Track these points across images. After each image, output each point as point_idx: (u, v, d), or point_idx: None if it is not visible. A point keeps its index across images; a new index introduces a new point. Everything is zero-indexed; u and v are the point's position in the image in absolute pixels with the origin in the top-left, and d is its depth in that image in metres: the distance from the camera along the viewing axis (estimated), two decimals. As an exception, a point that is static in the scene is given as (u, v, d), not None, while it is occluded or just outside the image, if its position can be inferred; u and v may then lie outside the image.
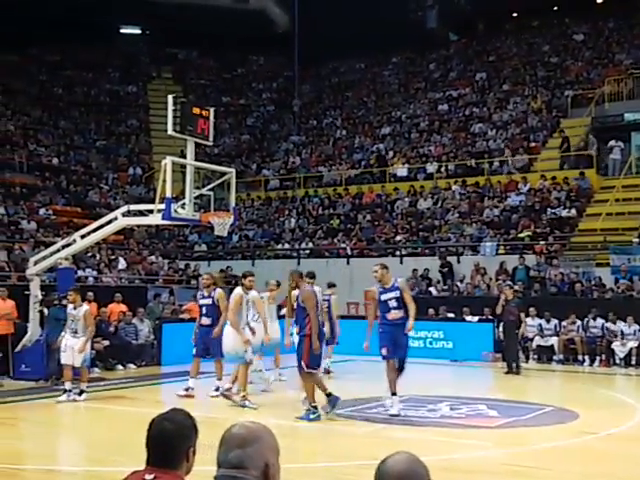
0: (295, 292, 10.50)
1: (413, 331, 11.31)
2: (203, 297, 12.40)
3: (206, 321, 12.11)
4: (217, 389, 11.85)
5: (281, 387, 13.11)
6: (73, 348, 11.76)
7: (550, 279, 19.30)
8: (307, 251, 24.46)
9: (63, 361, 11.98)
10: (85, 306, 11.97)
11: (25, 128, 28.55)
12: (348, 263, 22.62)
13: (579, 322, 17.34)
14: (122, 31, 38.57)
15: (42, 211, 23.20)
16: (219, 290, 12.33)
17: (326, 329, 12.50)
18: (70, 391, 11.72)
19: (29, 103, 30.76)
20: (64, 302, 12.92)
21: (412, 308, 10.17)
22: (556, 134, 25.55)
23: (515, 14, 35.57)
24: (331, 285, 14.84)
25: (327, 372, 14.00)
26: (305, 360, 9.84)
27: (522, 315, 15.96)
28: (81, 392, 11.82)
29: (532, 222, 21.82)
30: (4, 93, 30.04)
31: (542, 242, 20.76)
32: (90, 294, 16.28)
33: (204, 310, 12.25)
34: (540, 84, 29.36)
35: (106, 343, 15.84)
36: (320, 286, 13.23)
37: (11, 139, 27.05)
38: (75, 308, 11.85)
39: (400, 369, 10.29)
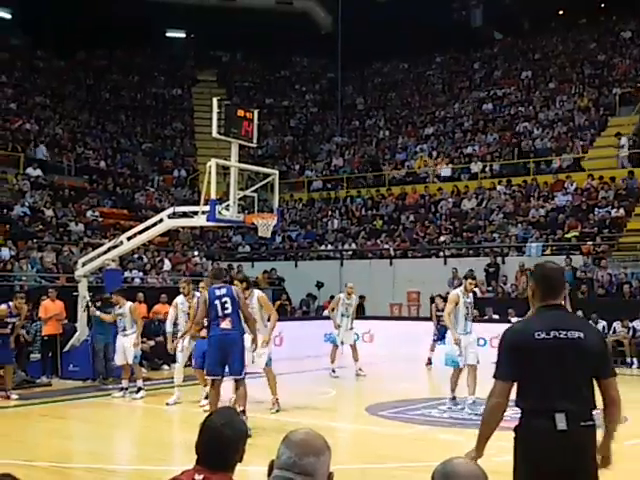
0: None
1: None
2: None
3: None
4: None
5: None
6: (124, 346, 12.09)
7: (598, 280, 18.97)
8: (350, 252, 24.45)
9: (118, 362, 12.41)
10: (129, 302, 12.37)
11: (73, 132, 29.07)
12: (391, 264, 22.53)
13: (628, 324, 17.03)
14: (167, 35, 39.05)
15: (90, 213, 23.58)
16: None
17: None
18: (126, 389, 12.06)
19: (77, 107, 31.34)
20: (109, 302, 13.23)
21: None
22: (604, 132, 25.11)
23: (561, 12, 35.09)
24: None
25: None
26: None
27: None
28: (138, 389, 12.09)
29: (579, 222, 21.47)
30: (53, 98, 30.64)
31: (589, 242, 20.41)
32: (140, 295, 16.55)
33: None
34: (587, 82, 28.89)
35: (152, 343, 16.03)
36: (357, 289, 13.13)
37: (59, 142, 27.56)
38: (120, 307, 12.27)
39: None
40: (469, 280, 11.03)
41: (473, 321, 11.24)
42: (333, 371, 14.79)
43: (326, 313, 20.33)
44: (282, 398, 10.77)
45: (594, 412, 3.66)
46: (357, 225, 26.00)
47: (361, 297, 18.34)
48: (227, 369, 9.12)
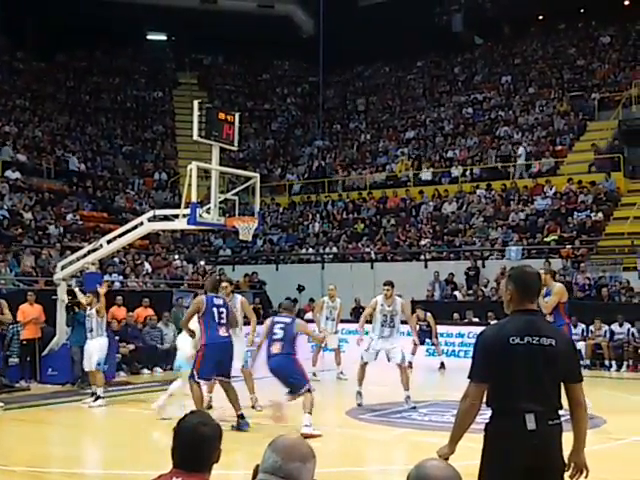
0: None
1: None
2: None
3: None
4: None
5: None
6: (90, 351, 11.84)
7: (577, 283, 19.12)
8: (331, 255, 24.46)
9: (85, 368, 12.14)
10: (99, 304, 12.06)
11: (53, 134, 28.87)
12: (372, 267, 22.57)
13: (606, 327, 17.17)
14: (148, 37, 38.90)
15: (69, 216, 23.43)
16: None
17: None
18: (97, 394, 11.72)
19: (57, 109, 31.12)
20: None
21: None
22: (583, 137, 25.33)
23: (541, 17, 35.33)
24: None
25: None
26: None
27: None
28: (96, 397, 11.65)
29: (558, 226, 21.64)
30: (32, 99, 30.42)
31: (568, 246, 20.58)
32: (119, 298, 16.46)
33: None
34: (566, 87, 29.14)
35: (132, 347, 15.96)
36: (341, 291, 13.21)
37: (39, 145, 27.37)
38: (91, 308, 12.05)
39: None
40: (386, 287, 11.60)
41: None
42: (314, 374, 14.79)
43: (309, 316, 20.37)
44: (261, 402, 10.76)
45: (560, 412, 3.84)
46: (338, 228, 26.03)
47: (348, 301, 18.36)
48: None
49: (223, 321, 9.58)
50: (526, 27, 34.95)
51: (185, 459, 2.74)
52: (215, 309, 9.54)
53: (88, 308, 12.14)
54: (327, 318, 15.15)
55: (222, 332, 9.53)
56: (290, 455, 2.44)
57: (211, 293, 9.86)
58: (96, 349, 11.85)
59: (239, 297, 11.36)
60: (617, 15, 31.79)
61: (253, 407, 10.71)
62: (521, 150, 25.76)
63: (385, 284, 11.73)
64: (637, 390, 14.85)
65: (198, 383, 9.43)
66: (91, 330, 11.96)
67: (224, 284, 11.19)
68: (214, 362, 9.39)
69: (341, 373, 14.85)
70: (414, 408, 11.11)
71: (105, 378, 12.25)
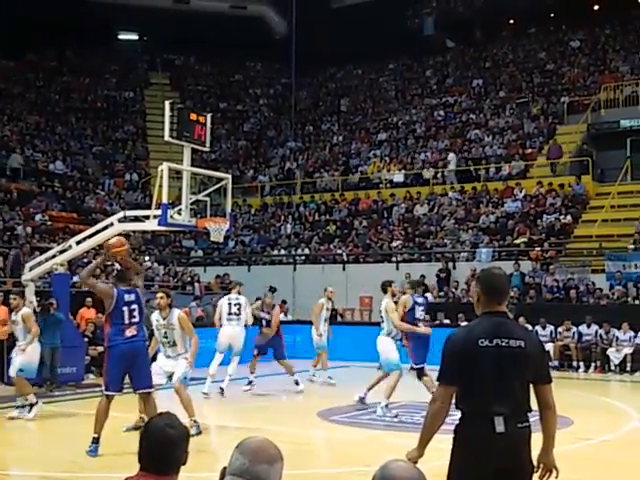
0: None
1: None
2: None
3: None
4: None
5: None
6: (13, 357, 11.02)
7: (545, 285, 19.32)
8: (303, 257, 24.46)
9: (11, 373, 11.16)
10: (25, 309, 11.15)
11: (22, 134, 28.53)
12: (344, 269, 22.61)
13: (574, 328, 17.36)
14: (119, 37, 38.60)
15: (38, 217, 23.17)
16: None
17: None
18: (35, 404, 10.74)
19: (26, 109, 30.74)
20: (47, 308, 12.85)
21: None
22: (552, 141, 25.61)
23: (512, 21, 35.65)
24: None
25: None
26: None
27: (520, 321, 15.96)
28: (27, 407, 10.60)
29: (528, 228, 21.85)
30: (1, 99, 30.03)
31: (538, 248, 20.79)
32: (89, 300, 16.31)
33: None
34: (536, 91, 29.44)
35: (101, 349, 15.80)
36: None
37: (7, 144, 27.03)
38: (16, 314, 11.03)
39: None
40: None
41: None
42: (314, 375, 14.80)
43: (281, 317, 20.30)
44: (230, 404, 10.70)
45: (529, 414, 3.84)
46: (310, 230, 26.05)
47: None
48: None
49: (135, 319, 8.40)
50: (497, 31, 35.29)
51: (152, 462, 2.72)
52: (126, 307, 8.32)
53: (13, 313, 11.15)
54: (326, 320, 15.02)
55: (130, 332, 8.34)
56: (257, 457, 2.44)
57: (122, 286, 8.51)
58: (19, 355, 10.84)
59: (177, 312, 9.55)
60: (587, 20, 32.22)
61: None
62: (451, 156, 26.32)
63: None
64: (604, 391, 15.06)
65: (107, 397, 8.31)
66: (17, 338, 10.82)
67: (159, 294, 9.75)
68: (122, 369, 8.37)
69: (329, 377, 14.75)
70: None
71: (74, 380, 12.05)
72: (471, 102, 30.60)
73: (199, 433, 8.97)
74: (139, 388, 8.52)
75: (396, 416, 10.64)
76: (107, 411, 8.28)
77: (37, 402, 10.75)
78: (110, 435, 8.37)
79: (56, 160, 28.16)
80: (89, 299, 16.48)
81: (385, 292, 11.45)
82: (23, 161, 26.33)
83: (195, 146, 12.19)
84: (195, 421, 9.03)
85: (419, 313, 11.02)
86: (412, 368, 10.86)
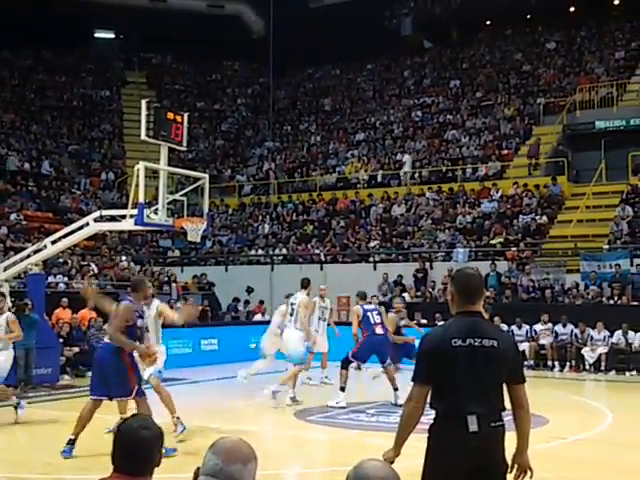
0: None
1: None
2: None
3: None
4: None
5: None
6: None
7: (521, 285, 19.45)
8: (281, 257, 24.44)
9: None
10: (7, 312, 10.98)
11: (-4, 132, 28.27)
12: (322, 269, 22.61)
13: (550, 326, 17.50)
14: (96, 35, 38.35)
15: (13, 216, 22.96)
16: None
17: None
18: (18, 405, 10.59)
19: (1, 107, 30.44)
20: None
21: None
22: (529, 141, 25.79)
23: (489, 22, 35.88)
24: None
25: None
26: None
27: (496, 321, 16.06)
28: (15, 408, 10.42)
29: (504, 229, 21.98)
30: (-25, 97, 29.74)
31: (514, 249, 20.92)
32: (64, 300, 16.17)
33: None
34: (513, 92, 29.64)
35: (76, 350, 15.70)
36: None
37: (-18, 143, 26.78)
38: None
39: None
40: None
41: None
42: (309, 379, 14.64)
43: (258, 318, 20.26)
44: (208, 404, 10.66)
45: (503, 413, 3.86)
46: (288, 230, 26.03)
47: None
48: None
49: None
50: (474, 32, 35.49)
51: (126, 463, 2.71)
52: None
53: None
54: (319, 319, 14.83)
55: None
56: (231, 457, 2.44)
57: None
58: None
59: (157, 302, 9.45)
60: (562, 21, 32.50)
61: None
62: (406, 157, 26.66)
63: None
64: (578, 390, 15.20)
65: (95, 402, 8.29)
66: None
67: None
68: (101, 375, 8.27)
69: (326, 377, 14.67)
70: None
71: (49, 381, 11.93)
72: (448, 103, 30.74)
73: (183, 430, 8.75)
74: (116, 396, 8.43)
75: (277, 401, 11.48)
76: (91, 414, 8.19)
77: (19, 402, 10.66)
78: (88, 437, 8.30)
79: (31, 159, 27.92)
80: (64, 299, 16.35)
81: (304, 288, 12.41)
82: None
83: (172, 145, 12.15)
84: (177, 418, 8.84)
85: (373, 319, 11.73)
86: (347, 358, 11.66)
